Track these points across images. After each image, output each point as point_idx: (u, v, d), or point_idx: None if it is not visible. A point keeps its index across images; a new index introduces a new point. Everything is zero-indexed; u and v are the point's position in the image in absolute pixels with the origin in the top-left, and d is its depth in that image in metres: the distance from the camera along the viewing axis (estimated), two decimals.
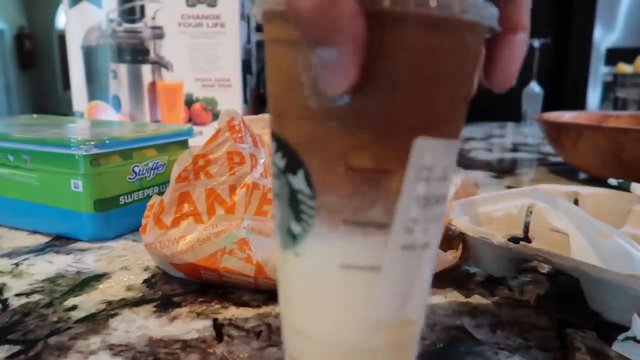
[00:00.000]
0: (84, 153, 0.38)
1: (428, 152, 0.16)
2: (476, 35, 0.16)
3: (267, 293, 0.31)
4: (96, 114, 0.77)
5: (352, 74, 0.14)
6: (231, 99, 0.75)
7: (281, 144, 0.17)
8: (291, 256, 0.18)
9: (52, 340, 0.26)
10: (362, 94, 0.15)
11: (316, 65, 0.15)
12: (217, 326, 0.27)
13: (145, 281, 0.33)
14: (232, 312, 0.29)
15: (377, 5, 0.14)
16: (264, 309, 0.29)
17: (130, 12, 0.73)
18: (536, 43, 1.74)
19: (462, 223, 0.33)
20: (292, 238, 0.18)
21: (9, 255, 0.38)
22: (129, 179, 0.41)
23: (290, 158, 0.17)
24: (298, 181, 0.17)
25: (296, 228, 0.17)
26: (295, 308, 0.19)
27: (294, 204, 0.17)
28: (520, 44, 0.18)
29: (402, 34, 0.14)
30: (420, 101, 0.15)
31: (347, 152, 0.16)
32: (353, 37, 0.14)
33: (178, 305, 0.29)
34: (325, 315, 0.18)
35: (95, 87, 0.77)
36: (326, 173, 0.16)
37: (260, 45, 0.88)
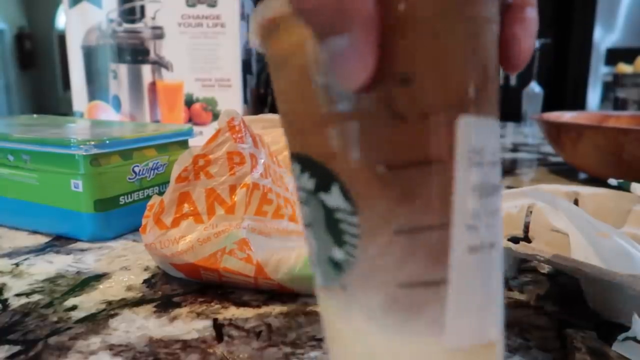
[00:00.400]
0: (84, 153, 0.38)
1: (474, 132, 0.14)
2: (493, 5, 0.15)
3: (267, 293, 0.31)
4: (96, 114, 0.78)
5: (370, 62, 0.13)
6: (231, 99, 0.75)
7: (307, 163, 0.15)
8: (337, 291, 0.15)
9: (52, 340, 0.26)
10: (386, 81, 0.13)
11: (330, 60, 0.13)
12: (217, 326, 0.27)
13: (145, 281, 0.33)
14: (232, 312, 0.29)
15: None
16: (264, 309, 0.29)
17: (131, 12, 0.73)
18: (536, 43, 1.74)
19: None
20: (335, 268, 0.15)
21: (9, 255, 0.38)
22: (129, 179, 0.41)
23: (320, 175, 0.15)
24: (333, 198, 0.15)
25: (339, 254, 0.15)
26: (342, 348, 0.16)
27: (332, 227, 0.15)
28: (531, 19, 0.17)
29: (417, 8, 0.13)
30: (451, 77, 0.14)
31: (385, 149, 0.14)
32: (365, 20, 0.13)
33: (178, 305, 0.29)
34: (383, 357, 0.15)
35: (96, 87, 0.77)
36: (365, 180, 0.14)
37: None
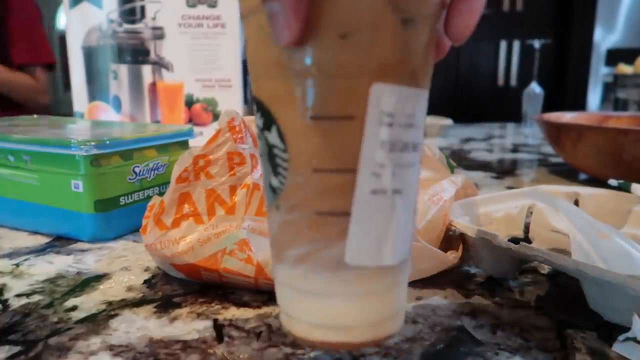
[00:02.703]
0: (85, 153, 0.38)
1: (387, 98, 0.17)
2: None
3: (267, 294, 0.31)
4: (97, 114, 0.78)
5: (294, 25, 0.16)
6: (231, 100, 0.75)
7: (259, 104, 0.18)
8: (273, 210, 0.19)
9: (53, 340, 0.26)
10: (315, 44, 0.16)
11: (268, 18, 0.16)
12: (218, 327, 0.27)
13: (145, 282, 0.33)
14: (233, 312, 0.29)
15: None
16: (264, 310, 0.29)
17: (131, 13, 0.73)
18: (537, 44, 1.74)
19: (462, 223, 0.33)
20: (272, 192, 0.19)
21: (10, 255, 0.38)
22: (130, 179, 0.41)
23: (266, 116, 0.18)
24: (273, 137, 0.18)
25: (275, 182, 0.19)
26: (279, 260, 0.20)
27: (271, 159, 0.18)
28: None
29: None
30: (371, 47, 0.16)
31: (311, 102, 0.17)
32: None
33: (178, 305, 0.29)
34: (304, 266, 0.19)
35: (96, 88, 0.77)
36: (294, 125, 0.17)
37: None
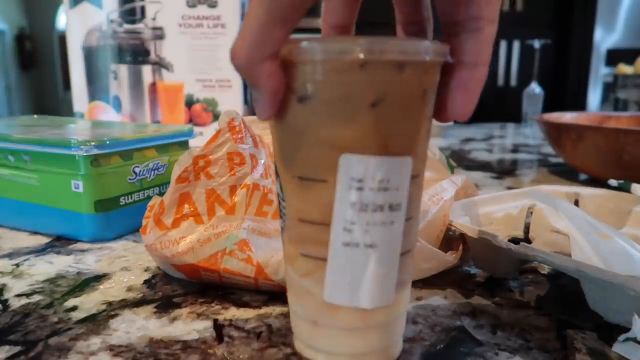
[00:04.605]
0: (85, 154, 0.38)
1: (356, 167, 0.19)
2: (393, 70, 0.18)
3: (267, 294, 0.31)
4: (97, 114, 0.78)
5: (268, 111, 0.19)
6: (232, 100, 0.75)
7: (274, 159, 0.22)
8: (283, 242, 0.23)
9: (53, 341, 0.26)
10: (295, 120, 0.20)
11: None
12: (218, 327, 0.27)
13: (145, 282, 0.33)
14: (233, 313, 0.29)
15: (290, 57, 0.19)
16: (264, 310, 0.29)
17: (131, 13, 0.73)
18: (537, 44, 1.74)
19: (462, 224, 0.33)
20: (281, 228, 0.23)
21: (10, 256, 0.38)
22: (130, 179, 0.41)
23: (276, 169, 0.22)
24: (278, 187, 0.22)
25: (281, 222, 0.23)
26: (287, 285, 0.24)
27: (279, 204, 0.22)
28: (477, 82, 0.20)
29: (312, 73, 0.19)
30: (341, 125, 0.19)
31: (296, 165, 0.20)
32: (269, 89, 0.19)
33: (178, 306, 0.29)
34: (300, 294, 0.22)
35: (96, 88, 0.77)
36: (287, 181, 0.21)
37: None
